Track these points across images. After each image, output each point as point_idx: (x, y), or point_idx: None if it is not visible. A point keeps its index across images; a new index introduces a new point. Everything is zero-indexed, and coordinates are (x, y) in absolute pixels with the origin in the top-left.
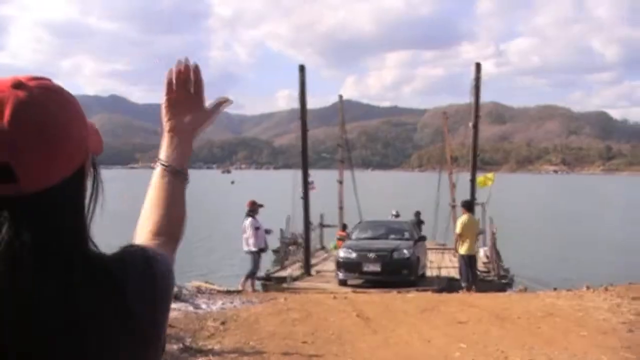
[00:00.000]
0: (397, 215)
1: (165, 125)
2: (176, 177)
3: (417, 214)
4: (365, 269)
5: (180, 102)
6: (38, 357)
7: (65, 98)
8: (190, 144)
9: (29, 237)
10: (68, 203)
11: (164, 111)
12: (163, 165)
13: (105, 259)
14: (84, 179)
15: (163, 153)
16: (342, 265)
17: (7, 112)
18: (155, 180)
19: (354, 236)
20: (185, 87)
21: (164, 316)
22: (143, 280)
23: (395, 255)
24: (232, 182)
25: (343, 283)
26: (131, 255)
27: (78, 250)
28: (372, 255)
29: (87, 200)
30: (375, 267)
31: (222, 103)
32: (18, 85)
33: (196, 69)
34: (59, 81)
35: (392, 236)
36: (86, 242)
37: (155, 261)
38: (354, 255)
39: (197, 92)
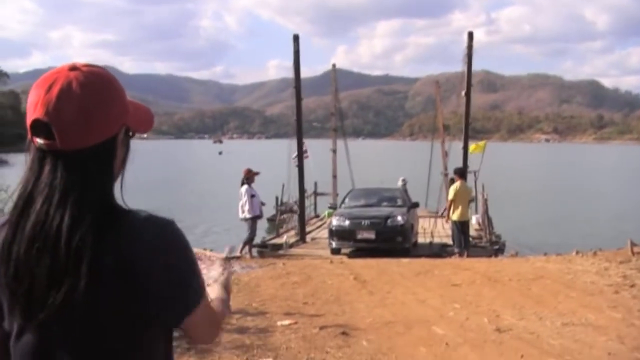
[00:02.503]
0: (405, 184)
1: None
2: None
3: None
4: (359, 236)
5: None
6: (44, 274)
7: (107, 82)
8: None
9: (62, 182)
10: (97, 162)
11: None
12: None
13: (123, 211)
14: (115, 147)
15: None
16: (335, 233)
17: (57, 87)
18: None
19: (345, 204)
20: None
21: (164, 272)
22: (151, 233)
23: (390, 222)
24: (220, 153)
25: (336, 252)
26: (155, 216)
27: (97, 197)
28: (365, 222)
29: (118, 163)
30: (370, 235)
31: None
32: (73, 68)
33: None
34: (48, 53)
35: (385, 203)
36: (107, 194)
37: (176, 230)
38: (347, 223)
39: None
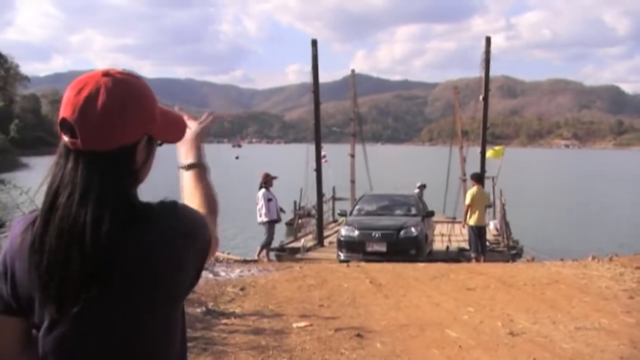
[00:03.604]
0: (421, 187)
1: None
2: (201, 169)
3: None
4: (368, 249)
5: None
6: (66, 266)
7: (134, 91)
8: (199, 145)
9: (81, 179)
10: (115, 165)
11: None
12: (188, 165)
13: (140, 204)
14: (135, 153)
15: (183, 159)
16: (344, 244)
17: (86, 91)
18: (186, 178)
19: (356, 211)
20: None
21: (182, 254)
22: (166, 221)
23: (402, 233)
24: (237, 158)
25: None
26: (164, 202)
27: (115, 197)
28: (376, 234)
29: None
30: (380, 247)
31: (208, 117)
32: (106, 74)
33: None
34: (68, 57)
35: (398, 211)
36: (126, 194)
37: (182, 209)
38: (356, 233)
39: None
